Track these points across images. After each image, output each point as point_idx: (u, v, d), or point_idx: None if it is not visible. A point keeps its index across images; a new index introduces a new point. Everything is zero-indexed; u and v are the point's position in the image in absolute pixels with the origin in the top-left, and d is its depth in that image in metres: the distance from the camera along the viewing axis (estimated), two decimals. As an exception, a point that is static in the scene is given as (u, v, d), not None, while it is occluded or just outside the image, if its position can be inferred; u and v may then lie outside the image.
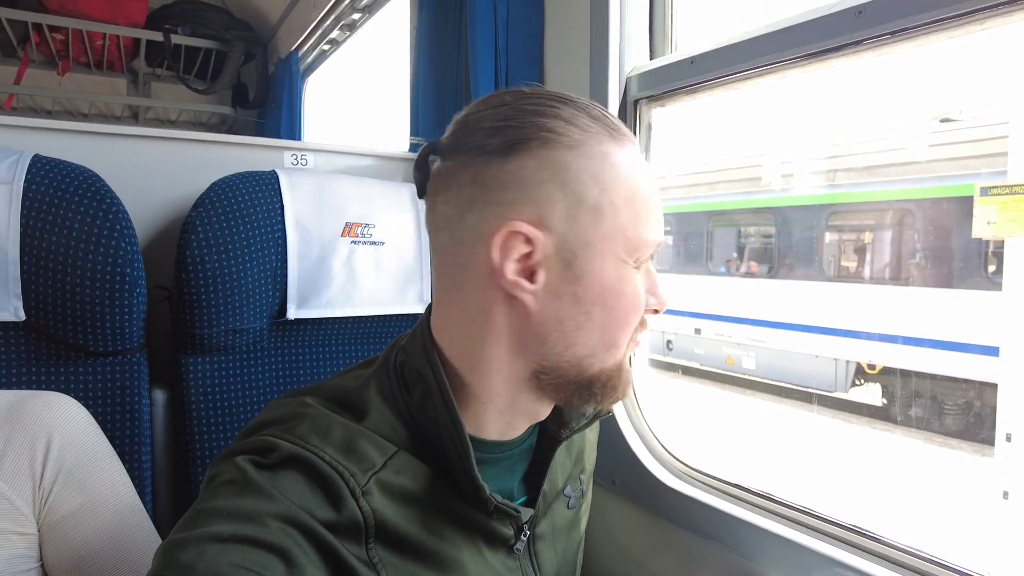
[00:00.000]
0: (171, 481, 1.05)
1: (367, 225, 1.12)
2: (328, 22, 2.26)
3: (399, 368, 0.67)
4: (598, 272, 0.61)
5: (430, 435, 0.64)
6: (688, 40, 1.08)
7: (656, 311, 0.65)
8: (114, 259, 0.91)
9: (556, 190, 0.58)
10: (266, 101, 2.84)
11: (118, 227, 0.92)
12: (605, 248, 0.60)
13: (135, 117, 2.86)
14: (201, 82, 2.80)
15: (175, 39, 2.59)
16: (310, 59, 2.59)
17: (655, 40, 1.09)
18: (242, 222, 1.01)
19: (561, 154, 0.59)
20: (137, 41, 2.60)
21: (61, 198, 0.89)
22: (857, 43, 0.76)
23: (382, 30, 2.16)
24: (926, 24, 0.69)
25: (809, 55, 0.81)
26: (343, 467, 0.58)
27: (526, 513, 0.68)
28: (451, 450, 0.62)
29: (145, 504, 0.95)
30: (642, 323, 0.65)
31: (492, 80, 1.24)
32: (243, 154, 1.21)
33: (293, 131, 2.63)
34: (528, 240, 0.58)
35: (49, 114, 2.68)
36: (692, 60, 0.96)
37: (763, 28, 0.86)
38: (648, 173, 0.62)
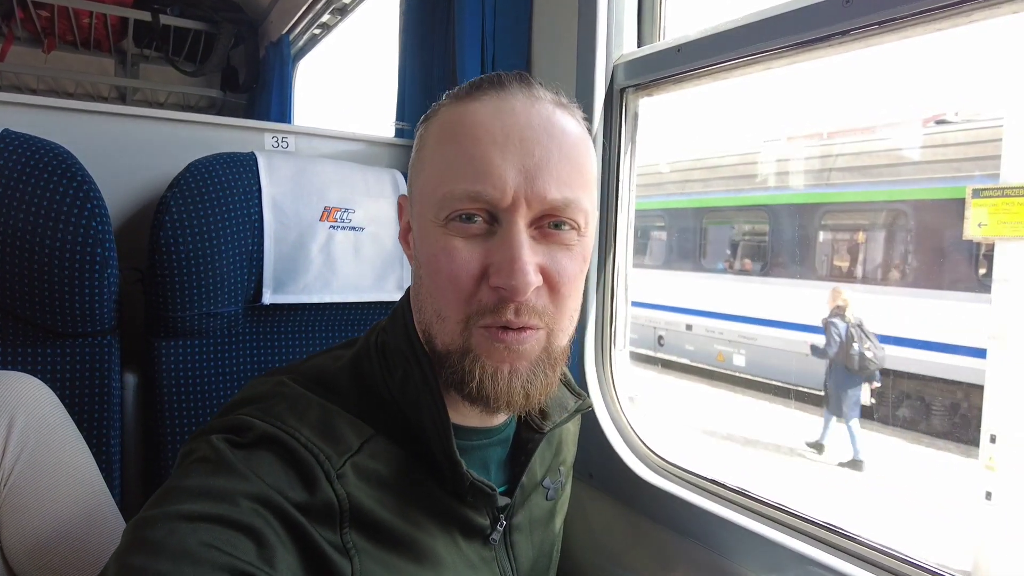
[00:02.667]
0: (140, 466, 1.03)
1: (346, 210, 1.10)
2: (319, 5, 2.23)
3: (381, 348, 0.67)
4: (419, 233, 0.62)
5: (410, 416, 0.63)
6: (679, 28, 1.06)
7: (500, 287, 0.56)
8: (84, 238, 0.89)
9: (415, 158, 0.65)
10: (256, 85, 2.81)
11: (89, 206, 0.90)
12: (422, 207, 0.61)
13: (122, 98, 2.82)
14: (190, 64, 2.76)
15: (164, 19, 2.55)
16: (301, 43, 2.55)
17: (644, 28, 1.08)
18: (218, 204, 0.99)
19: (428, 126, 0.64)
20: (125, 20, 2.56)
21: (30, 174, 0.87)
22: (844, 33, 0.74)
23: (374, 14, 2.13)
24: (913, 15, 0.68)
25: (796, 45, 0.79)
26: (319, 449, 0.57)
27: (502, 500, 0.67)
28: (430, 429, 0.62)
29: (113, 489, 0.94)
30: (498, 307, 0.57)
31: (478, 66, 1.22)
32: (223, 135, 1.18)
33: (283, 115, 2.60)
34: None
35: (34, 92, 2.64)
36: (678, 48, 0.94)
37: (750, 17, 0.84)
38: (487, 126, 0.57)
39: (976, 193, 3.81)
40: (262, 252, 1.03)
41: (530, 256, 0.56)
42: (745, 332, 6.94)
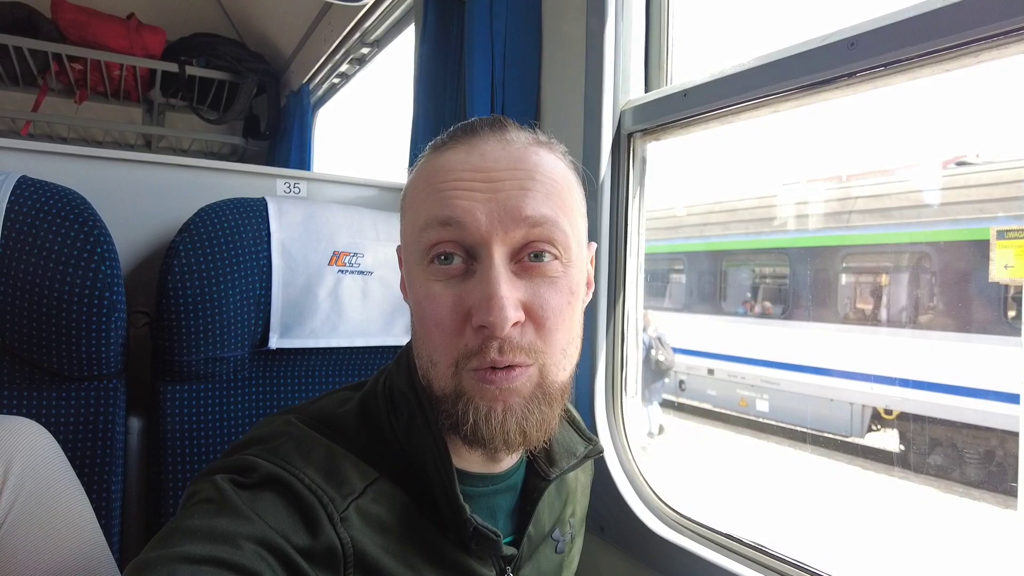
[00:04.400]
0: (142, 513, 1.01)
1: (355, 254, 1.10)
2: (338, 56, 2.29)
3: (388, 392, 0.66)
4: (408, 280, 0.64)
5: (414, 461, 0.62)
6: (685, 74, 1.07)
7: (482, 326, 0.55)
8: (93, 282, 0.89)
9: (401, 210, 0.66)
10: (277, 132, 2.88)
11: (99, 250, 0.90)
12: (407, 254, 0.63)
13: (148, 145, 2.90)
14: (213, 112, 2.84)
15: (190, 70, 2.64)
16: (321, 92, 2.62)
17: (651, 73, 1.08)
18: (227, 248, 0.99)
19: (409, 178, 0.65)
20: (153, 72, 2.65)
21: (43, 219, 0.88)
22: (850, 75, 0.73)
23: (390, 64, 2.19)
24: (919, 56, 0.67)
25: (802, 87, 0.79)
26: (322, 491, 0.56)
27: (507, 550, 0.66)
28: (434, 474, 0.61)
29: (112, 537, 0.92)
30: (483, 348, 0.56)
31: (488, 113, 1.23)
32: (236, 181, 1.20)
33: (302, 162, 2.65)
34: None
35: (64, 141, 2.73)
36: (684, 93, 0.94)
37: (755, 61, 0.84)
38: (457, 170, 0.58)
39: (1001, 235, 3.76)
40: (270, 296, 1.03)
41: (509, 291, 0.55)
42: (768, 376, 6.81)
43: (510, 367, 0.56)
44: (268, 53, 2.88)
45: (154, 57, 2.62)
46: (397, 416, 0.64)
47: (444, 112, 1.39)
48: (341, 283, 1.08)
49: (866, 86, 0.74)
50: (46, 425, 0.78)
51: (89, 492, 0.81)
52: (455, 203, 0.57)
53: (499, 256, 0.56)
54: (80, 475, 0.79)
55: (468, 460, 0.65)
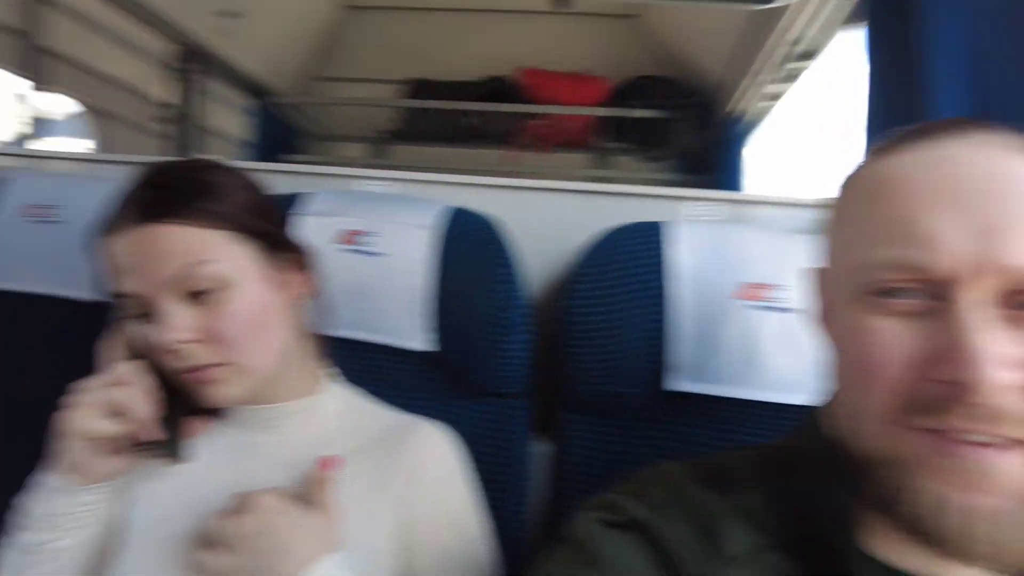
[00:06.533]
0: (539, 536, 1.00)
1: (774, 287, 0.92)
2: (768, 77, 2.13)
3: (794, 450, 0.59)
4: (831, 311, 0.56)
5: (815, 533, 0.51)
6: None
7: (942, 382, 0.44)
8: (504, 303, 0.94)
9: (828, 224, 0.57)
10: (711, 165, 2.83)
11: (511, 272, 0.95)
12: (834, 280, 0.55)
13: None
14: (652, 151, 2.96)
15: (629, 113, 2.79)
16: (752, 117, 2.48)
17: None
18: (625, 275, 0.94)
19: (844, 187, 0.56)
20: (598, 119, 2.89)
21: (465, 242, 0.97)
22: None
23: (821, 78, 1.95)
24: None
25: None
26: (687, 549, 0.52)
27: None
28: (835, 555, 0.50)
29: (507, 550, 0.92)
30: (940, 406, 0.44)
31: (962, 104, 0.92)
32: (637, 205, 1.15)
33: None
34: None
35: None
36: None
37: None
38: (913, 178, 0.47)
39: None
40: (668, 331, 0.92)
41: (990, 344, 0.41)
42: None
43: (986, 444, 0.42)
44: (699, 87, 2.86)
45: (598, 105, 2.86)
46: (798, 478, 0.56)
47: (906, 105, 1.09)
48: (756, 321, 0.91)
49: None
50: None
51: (488, 506, 0.85)
52: (912, 237, 0.45)
53: (976, 297, 0.43)
54: (480, 486, 0.86)
55: (900, 550, 0.50)
